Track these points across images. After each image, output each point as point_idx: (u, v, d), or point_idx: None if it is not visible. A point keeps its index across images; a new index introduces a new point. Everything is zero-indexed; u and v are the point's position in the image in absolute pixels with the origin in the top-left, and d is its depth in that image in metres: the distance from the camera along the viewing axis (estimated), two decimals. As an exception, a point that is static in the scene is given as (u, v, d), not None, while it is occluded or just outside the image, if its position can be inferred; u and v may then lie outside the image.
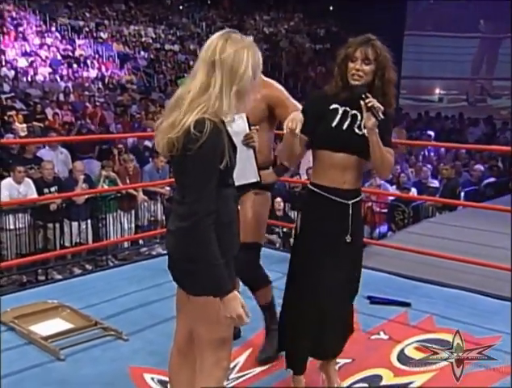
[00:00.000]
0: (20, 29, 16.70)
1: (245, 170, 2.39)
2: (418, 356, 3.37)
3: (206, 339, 2.13)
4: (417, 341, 3.56)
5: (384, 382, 3.09)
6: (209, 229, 1.97)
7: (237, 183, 2.22)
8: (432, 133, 15.79)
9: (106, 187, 7.78)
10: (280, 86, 3.20)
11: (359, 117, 2.61)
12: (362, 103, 2.51)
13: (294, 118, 2.50)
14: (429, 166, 11.11)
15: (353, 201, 2.65)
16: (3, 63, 15.04)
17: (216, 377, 2.16)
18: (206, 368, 2.15)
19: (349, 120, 2.62)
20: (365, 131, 2.58)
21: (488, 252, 5.43)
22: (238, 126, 2.32)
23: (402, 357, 3.36)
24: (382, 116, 2.48)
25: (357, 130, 2.61)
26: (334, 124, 2.62)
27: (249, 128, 2.76)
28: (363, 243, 2.90)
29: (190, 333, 2.23)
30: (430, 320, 3.88)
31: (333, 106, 2.63)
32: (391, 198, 8.48)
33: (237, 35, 2.01)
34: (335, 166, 2.62)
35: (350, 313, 2.88)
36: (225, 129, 2.01)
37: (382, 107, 2.49)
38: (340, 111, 2.62)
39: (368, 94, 2.51)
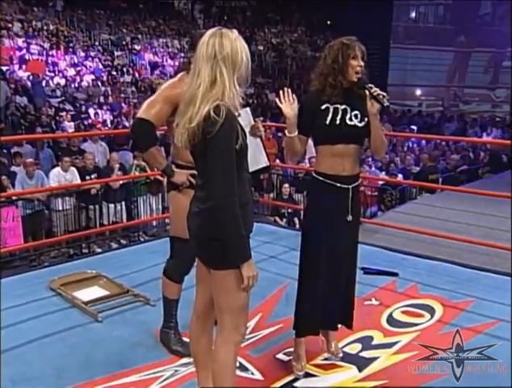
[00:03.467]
0: (70, 44, 16.70)
1: (255, 157, 2.27)
2: (404, 318, 3.30)
3: (226, 307, 2.05)
4: (404, 306, 3.48)
5: (374, 342, 3.01)
6: (235, 204, 1.90)
7: (250, 170, 2.12)
8: (415, 127, 15.67)
9: (137, 174, 7.72)
10: (163, 86, 2.79)
11: (349, 110, 2.51)
12: (367, 92, 2.42)
13: None
14: (412, 155, 11.00)
15: (352, 185, 2.55)
16: (56, 73, 15.04)
17: (234, 341, 2.09)
18: (226, 333, 2.08)
19: (340, 114, 2.51)
20: (356, 121, 2.49)
21: (463, 228, 5.43)
22: (244, 119, 2.21)
23: (390, 320, 3.28)
24: (387, 103, 2.40)
25: (349, 122, 2.51)
26: (328, 121, 2.51)
27: (254, 120, 2.63)
28: (360, 221, 2.79)
29: (209, 302, 2.16)
30: (414, 288, 3.80)
31: (324, 105, 2.52)
32: (380, 182, 8.39)
33: (227, 30, 1.96)
34: (334, 156, 2.52)
35: (353, 286, 2.75)
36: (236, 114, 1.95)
37: (386, 94, 2.41)
38: (331, 109, 2.51)
39: (371, 85, 2.43)
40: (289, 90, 2.47)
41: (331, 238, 2.56)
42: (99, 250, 6.70)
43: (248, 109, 2.28)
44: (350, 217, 2.56)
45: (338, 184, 2.53)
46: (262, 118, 2.73)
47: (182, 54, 19.41)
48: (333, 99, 2.51)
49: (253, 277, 1.97)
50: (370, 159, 9.74)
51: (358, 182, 2.60)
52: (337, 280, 2.62)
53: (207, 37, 1.95)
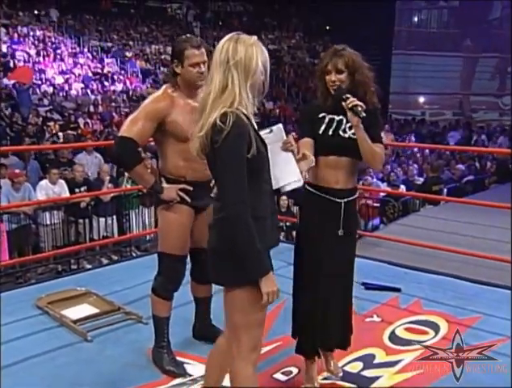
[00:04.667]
0: (58, 51, 16.79)
1: (286, 172, 2.27)
2: (407, 336, 3.32)
3: (244, 326, 2.03)
4: (407, 322, 3.49)
5: (376, 360, 3.02)
6: (245, 215, 1.87)
7: (280, 184, 2.15)
8: (413, 138, 15.75)
9: (129, 186, 7.74)
10: (146, 101, 2.81)
11: (345, 121, 2.53)
12: (343, 104, 2.44)
13: None
14: (415, 165, 11.05)
15: (345, 200, 2.55)
16: (43, 81, 15.11)
17: (252, 360, 2.07)
18: (244, 354, 2.05)
19: (334, 125, 2.54)
20: (350, 133, 2.51)
21: (468, 241, 5.42)
22: (276, 134, 2.25)
23: (393, 337, 3.29)
24: (364, 114, 2.40)
25: (342, 133, 2.54)
26: (321, 131, 2.55)
27: (286, 135, 2.62)
28: (355, 238, 2.75)
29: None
30: (417, 303, 3.82)
31: (321, 114, 2.57)
32: (382, 194, 8.43)
33: (244, 35, 1.97)
34: (328, 168, 2.54)
35: (349, 306, 2.75)
36: (250, 122, 1.94)
37: (363, 105, 2.41)
38: (326, 119, 2.55)
39: (348, 95, 2.44)
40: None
41: (321, 253, 2.56)
42: (89, 266, 6.70)
43: (280, 125, 2.32)
44: (341, 232, 2.56)
45: (330, 197, 2.54)
46: (293, 133, 2.72)
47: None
48: (329, 109, 2.55)
49: (273, 293, 1.93)
50: (371, 170, 9.79)
51: (353, 196, 2.60)
52: (329, 298, 2.60)
53: (223, 42, 1.97)
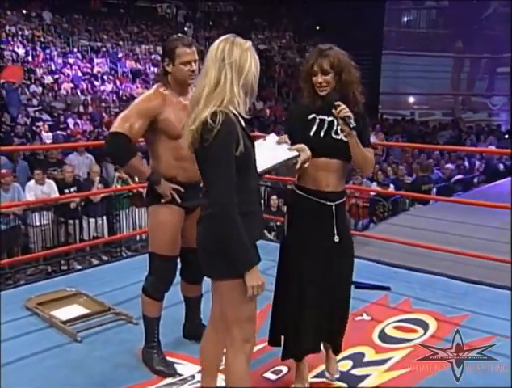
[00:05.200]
0: (47, 51, 16.71)
1: (281, 151, 2.29)
2: (397, 334, 3.34)
3: (233, 318, 2.11)
4: (396, 321, 3.52)
5: (366, 359, 3.04)
6: (233, 212, 1.95)
7: (277, 161, 2.23)
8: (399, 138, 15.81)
9: (119, 186, 7.74)
10: (137, 100, 2.82)
11: (336, 123, 2.49)
12: (334, 111, 2.42)
13: None
14: (404, 164, 11.10)
15: (336, 203, 2.51)
16: (33, 80, 15.03)
17: (245, 352, 2.15)
18: (236, 344, 2.14)
19: (325, 127, 2.50)
20: (343, 135, 2.47)
21: (458, 241, 5.46)
22: (269, 140, 2.33)
23: (382, 336, 3.31)
24: (354, 124, 2.38)
25: (334, 135, 2.49)
26: (312, 133, 2.50)
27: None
28: (351, 242, 2.66)
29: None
30: (407, 302, 3.84)
31: (311, 116, 2.52)
32: (372, 193, 8.46)
33: (240, 39, 2.07)
34: (318, 170, 2.48)
35: (347, 309, 2.70)
36: (238, 120, 2.00)
37: (352, 116, 2.38)
38: (317, 121, 2.51)
39: (339, 103, 2.40)
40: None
41: (315, 262, 2.51)
42: (79, 266, 6.69)
43: (273, 134, 2.39)
44: (336, 238, 2.51)
45: (321, 201, 2.49)
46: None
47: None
48: (318, 110, 2.50)
49: (257, 287, 2.02)
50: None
51: (342, 199, 2.56)
52: (322, 300, 2.55)
53: (219, 41, 2.05)
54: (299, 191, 2.57)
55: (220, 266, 2.05)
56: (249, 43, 2.07)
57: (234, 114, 2.00)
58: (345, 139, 2.46)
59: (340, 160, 2.49)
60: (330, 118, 2.50)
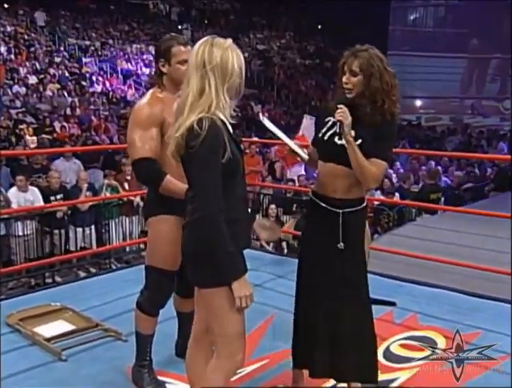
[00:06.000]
0: (32, 49, 16.74)
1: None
2: (403, 352, 3.34)
3: (219, 333, 2.12)
4: (402, 338, 3.51)
5: (370, 379, 3.01)
6: (218, 218, 1.97)
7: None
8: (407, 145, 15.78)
9: (108, 194, 7.73)
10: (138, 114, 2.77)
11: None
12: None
13: None
14: (410, 172, 11.11)
15: (344, 210, 2.51)
16: (16, 80, 15.05)
17: (225, 370, 2.14)
18: (219, 360, 2.13)
19: (332, 130, 2.52)
20: (344, 141, 2.46)
21: (468, 253, 5.44)
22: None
23: (388, 354, 3.30)
24: (345, 130, 2.39)
25: (337, 140, 2.49)
26: (320, 134, 2.56)
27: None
28: (360, 253, 2.62)
29: (207, 325, 2.21)
30: (413, 318, 3.83)
31: (328, 118, 2.55)
32: (376, 202, 8.45)
33: (219, 38, 2.07)
34: (326, 175, 2.54)
35: (367, 331, 2.63)
36: (225, 126, 2.03)
37: (345, 121, 2.39)
38: (329, 123, 2.53)
39: (341, 106, 2.42)
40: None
41: (321, 266, 2.55)
42: (65, 279, 6.66)
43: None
44: (341, 245, 2.51)
45: (327, 207, 2.52)
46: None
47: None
48: (334, 113, 2.47)
49: (245, 297, 2.01)
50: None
51: (355, 207, 2.53)
52: (331, 316, 2.55)
53: (198, 45, 2.05)
54: (312, 196, 2.62)
55: (206, 273, 2.06)
56: (229, 41, 2.07)
57: (221, 120, 2.02)
58: (346, 145, 2.46)
59: (346, 167, 2.48)
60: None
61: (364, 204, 2.59)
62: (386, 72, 2.46)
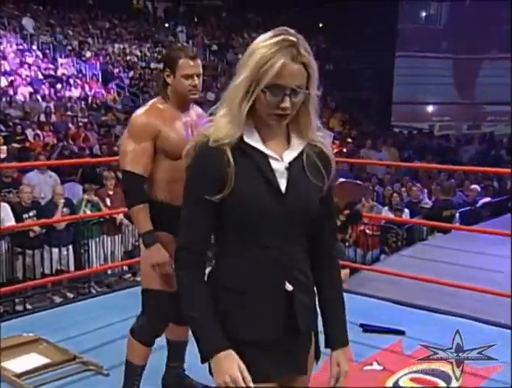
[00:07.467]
0: (-1, 48, 16.76)
1: None
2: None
3: None
4: (412, 371, 3.51)
5: (377, 417, 3.05)
6: (185, 267, 1.74)
7: None
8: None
9: (88, 211, 7.74)
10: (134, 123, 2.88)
11: None
12: None
13: None
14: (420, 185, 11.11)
15: None
16: (-19, 83, 15.05)
17: None
18: None
19: None
20: None
21: (486, 276, 5.44)
22: None
23: (397, 390, 3.31)
24: None
25: None
26: None
27: None
28: None
29: None
30: (425, 349, 3.84)
31: None
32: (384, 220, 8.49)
33: None
34: None
35: None
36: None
37: None
38: None
39: None
40: None
41: None
42: (38, 306, 6.63)
43: None
44: None
45: None
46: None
47: (143, 63, 19.55)
48: None
49: (228, 381, 1.62)
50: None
51: None
52: None
53: None
54: None
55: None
56: None
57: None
58: None
59: None
60: None
61: None
62: None
